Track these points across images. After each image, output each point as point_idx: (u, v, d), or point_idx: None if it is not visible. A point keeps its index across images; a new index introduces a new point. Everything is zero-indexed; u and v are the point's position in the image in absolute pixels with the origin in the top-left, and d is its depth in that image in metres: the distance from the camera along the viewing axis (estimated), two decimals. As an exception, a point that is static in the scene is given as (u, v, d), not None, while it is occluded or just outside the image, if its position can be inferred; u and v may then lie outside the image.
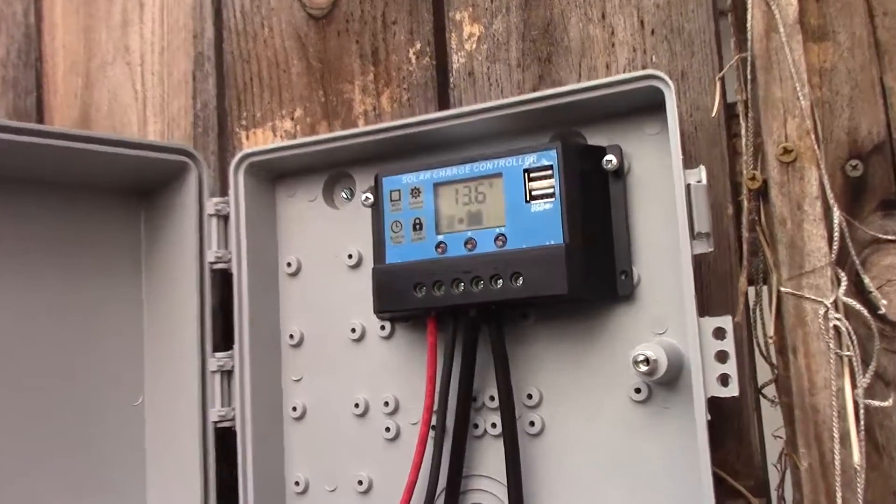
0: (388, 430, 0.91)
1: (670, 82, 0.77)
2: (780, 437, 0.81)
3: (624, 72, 0.88)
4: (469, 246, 0.83)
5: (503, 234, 0.82)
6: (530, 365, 0.86)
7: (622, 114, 0.84)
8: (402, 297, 0.85)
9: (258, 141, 1.04)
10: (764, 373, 0.83)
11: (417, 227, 0.86)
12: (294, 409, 0.96)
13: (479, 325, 0.85)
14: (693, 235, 0.76)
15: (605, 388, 0.83)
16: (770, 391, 0.82)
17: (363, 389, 0.93)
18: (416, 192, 0.87)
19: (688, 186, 0.77)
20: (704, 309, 0.80)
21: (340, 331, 0.95)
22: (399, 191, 0.87)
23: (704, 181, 0.76)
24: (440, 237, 0.85)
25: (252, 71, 1.05)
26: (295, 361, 0.97)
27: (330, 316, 0.96)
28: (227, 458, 0.94)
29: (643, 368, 0.76)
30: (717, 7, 0.86)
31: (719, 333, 0.75)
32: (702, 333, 0.75)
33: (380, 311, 0.86)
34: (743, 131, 0.82)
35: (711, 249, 0.76)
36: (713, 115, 0.81)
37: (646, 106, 0.83)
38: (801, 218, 0.76)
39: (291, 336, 0.97)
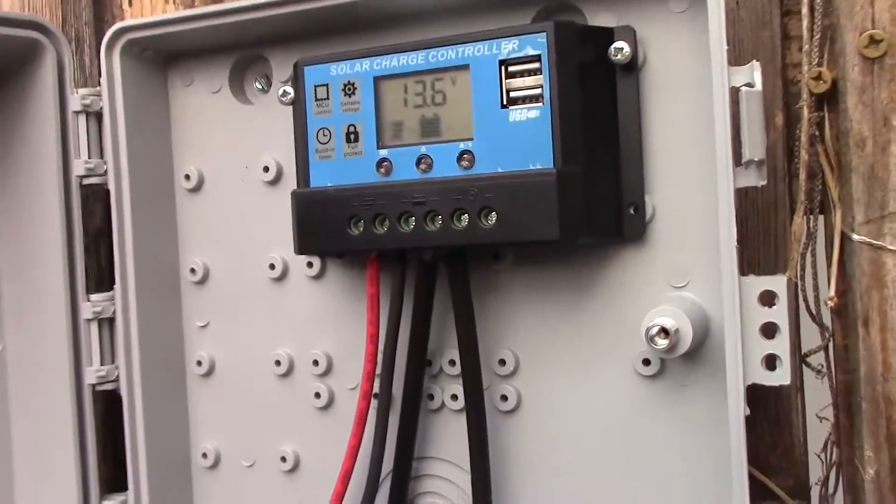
0: (318, 395, 0.71)
1: (710, -64, 0.54)
2: (826, 420, 0.62)
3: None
4: (423, 166, 0.61)
5: (469, 152, 0.59)
6: (503, 321, 0.65)
7: (637, -19, 0.60)
8: (332, 235, 0.62)
9: (143, 9, 0.79)
10: (809, 335, 0.63)
11: (352, 137, 0.63)
12: (199, 363, 0.75)
13: (436, 268, 0.64)
14: (738, 162, 0.54)
15: (604, 356, 0.62)
16: (816, 360, 0.62)
17: (286, 342, 0.72)
18: (350, 87, 0.63)
19: (734, 91, 0.54)
20: (742, 260, 0.59)
21: (256, 266, 0.73)
22: (327, 86, 0.63)
23: (758, 85, 0.53)
24: (383, 152, 0.62)
25: (134, -90, 0.79)
26: (198, 303, 0.75)
27: (242, 246, 0.73)
28: (116, 427, 0.73)
29: (661, 344, 0.55)
30: None
31: (767, 298, 0.54)
32: (743, 298, 0.54)
33: (301, 251, 0.64)
34: (804, 8, 0.59)
35: (764, 182, 0.54)
36: (766, -16, 0.58)
37: (672, -30, 0.59)
38: (887, 138, 0.54)
39: (193, 270, 0.75)
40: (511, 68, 0.58)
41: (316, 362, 0.70)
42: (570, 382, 0.63)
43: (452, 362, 0.66)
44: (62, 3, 0.81)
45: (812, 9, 0.59)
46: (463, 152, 0.59)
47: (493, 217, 0.57)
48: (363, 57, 0.62)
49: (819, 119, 0.58)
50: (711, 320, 0.59)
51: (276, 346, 0.72)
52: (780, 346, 0.54)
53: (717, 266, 0.55)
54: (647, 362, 0.61)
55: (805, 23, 0.59)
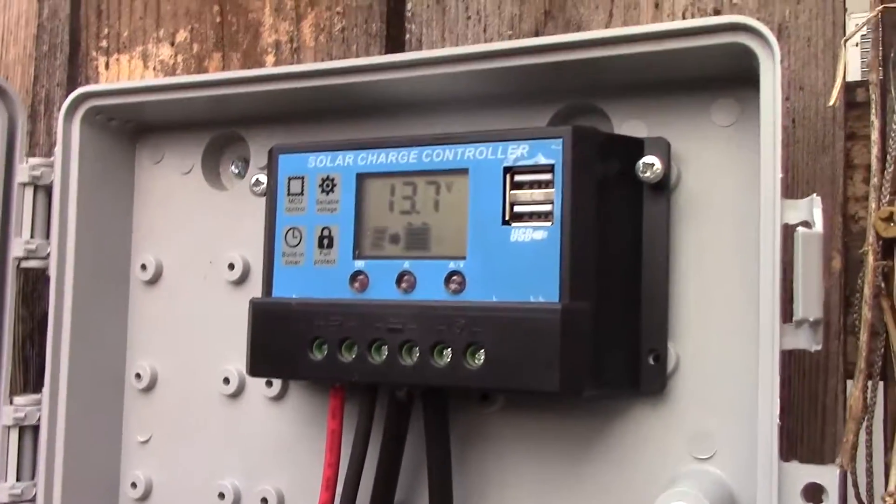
0: (263, 541, 0.60)
1: (771, 38, 0.44)
2: None
3: (684, 15, 0.54)
4: (404, 285, 0.51)
5: (460, 273, 0.49)
6: (488, 478, 0.54)
7: (674, 87, 0.51)
8: (290, 358, 0.52)
9: (121, 73, 0.70)
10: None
11: (325, 242, 0.53)
12: (133, 485, 0.64)
13: (412, 405, 0.53)
14: (787, 318, 0.43)
15: (606, 533, 0.51)
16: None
17: (234, 472, 0.61)
18: (328, 183, 0.53)
19: (786, 230, 0.44)
20: (783, 437, 0.48)
21: (209, 378, 0.62)
22: (302, 179, 0.54)
23: (819, 226, 0.43)
24: (359, 264, 0.52)
25: (121, -33, 0.71)
26: (141, 412, 0.65)
27: (196, 353, 0.63)
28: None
29: (676, 537, 0.44)
30: (847, -78, 0.52)
31: (813, 494, 0.43)
32: (783, 490, 0.43)
33: (252, 372, 0.54)
34: (874, 134, 0.49)
35: (819, 347, 0.43)
36: (830, 103, 0.48)
37: (718, 77, 0.49)
38: (976, 302, 0.43)
39: (138, 376, 0.65)
40: (518, 178, 0.49)
41: (265, 500, 0.59)
42: (564, 560, 0.52)
43: (424, 519, 0.55)
44: (36, 60, 0.74)
45: (884, 135, 0.49)
46: (452, 273, 0.49)
47: (482, 356, 0.47)
48: (347, 149, 0.53)
49: (887, 269, 0.48)
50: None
51: (222, 475, 0.61)
52: (829, 555, 0.42)
53: (750, 437, 0.44)
54: (658, 546, 0.49)
55: (874, 151, 0.49)
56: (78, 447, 0.62)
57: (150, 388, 0.64)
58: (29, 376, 0.70)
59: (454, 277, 0.49)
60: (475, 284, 0.49)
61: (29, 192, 0.62)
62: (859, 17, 0.50)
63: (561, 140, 0.47)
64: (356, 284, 0.52)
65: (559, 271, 0.47)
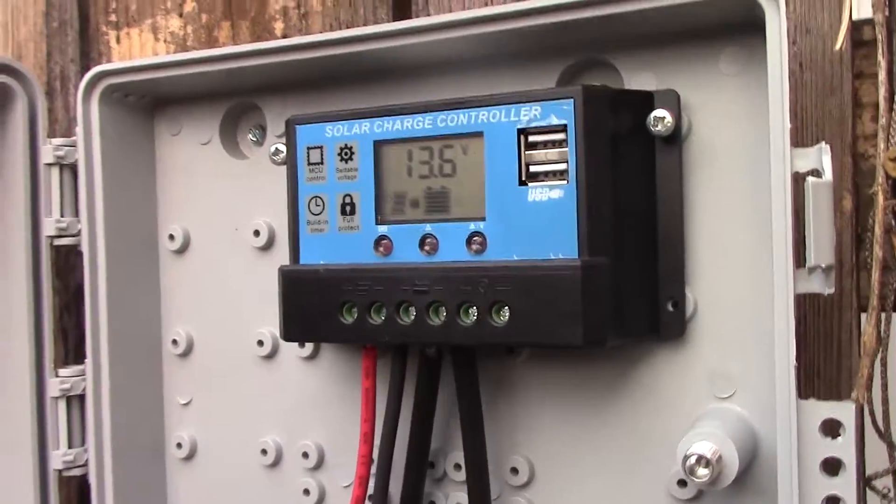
0: (307, 492, 0.63)
1: (775, -11, 0.45)
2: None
3: (688, -35, 0.54)
4: (427, 248, 0.52)
5: (481, 234, 0.51)
6: (517, 424, 0.57)
7: (682, 37, 0.51)
8: (321, 322, 0.54)
9: (132, 47, 0.71)
10: (876, 454, 0.53)
11: (348, 209, 0.54)
12: (179, 445, 0.67)
13: (441, 362, 0.55)
14: (800, 263, 0.45)
15: (632, 473, 0.53)
16: (883, 484, 0.53)
17: (274, 429, 0.64)
18: (346, 152, 0.55)
19: (796, 179, 0.45)
20: (800, 375, 0.50)
21: (244, 341, 0.65)
22: (321, 148, 0.55)
23: (828, 174, 0.44)
24: (382, 229, 0.53)
25: (125, -61, 0.71)
26: (180, 377, 0.68)
27: (229, 317, 0.65)
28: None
29: (701, 475, 0.46)
30: None
31: (831, 428, 0.45)
32: (802, 427, 0.45)
33: (287, 337, 0.56)
34: (881, 74, 0.50)
35: (831, 291, 0.45)
36: (837, 46, 0.48)
37: (725, 27, 0.50)
38: (983, 238, 0.45)
39: (175, 342, 0.67)
40: (532, 138, 0.50)
41: (306, 454, 0.62)
42: (592, 500, 0.54)
43: (458, 466, 0.57)
44: (48, 37, 0.74)
45: (890, 74, 0.50)
46: (473, 234, 0.51)
47: (506, 313, 0.49)
48: (363, 118, 0.54)
49: (896, 207, 0.49)
50: (761, 439, 0.50)
51: (263, 433, 0.64)
52: (846, 486, 0.45)
53: (768, 374, 0.46)
54: (682, 484, 0.52)
55: (882, 90, 0.50)
56: (123, 413, 0.65)
57: (186, 353, 0.67)
58: (69, 345, 0.73)
59: (475, 238, 0.51)
60: (496, 244, 0.50)
61: (55, 171, 0.64)
62: None
63: (572, 100, 0.48)
64: (380, 249, 0.53)
65: (577, 228, 0.48)
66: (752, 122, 0.50)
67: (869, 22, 0.51)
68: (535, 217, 0.49)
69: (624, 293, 0.49)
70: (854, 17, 0.51)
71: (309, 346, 0.62)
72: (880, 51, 0.50)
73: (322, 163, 0.55)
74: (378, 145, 0.54)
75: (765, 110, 0.46)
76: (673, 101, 0.50)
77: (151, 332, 0.67)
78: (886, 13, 0.50)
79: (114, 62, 0.71)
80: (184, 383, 0.67)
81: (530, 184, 0.50)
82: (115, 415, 0.64)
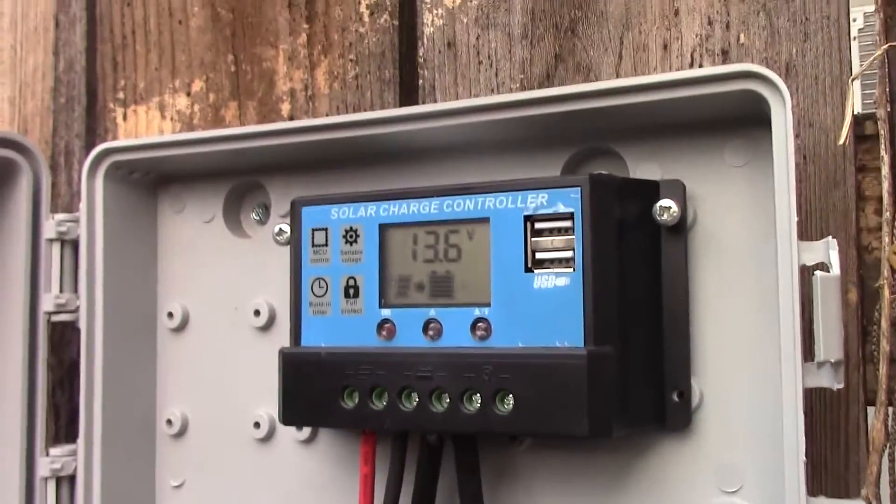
0: (301, 581, 0.61)
1: (782, 85, 0.45)
2: None
3: (693, 57, 0.55)
4: (430, 333, 0.52)
5: (486, 320, 0.50)
6: (519, 514, 0.55)
7: (687, 129, 0.52)
8: (322, 406, 0.53)
9: (139, 124, 0.72)
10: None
11: (351, 291, 0.54)
12: (169, 529, 0.65)
13: (442, 449, 0.54)
14: (808, 357, 0.45)
15: (637, 568, 0.52)
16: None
17: (269, 514, 0.62)
18: (351, 234, 0.55)
19: (803, 273, 0.45)
20: (808, 471, 0.49)
21: (239, 422, 0.64)
22: (326, 230, 0.55)
23: (836, 268, 0.44)
24: (386, 312, 0.53)
25: (136, 19, 0.72)
26: (174, 458, 0.66)
27: (226, 398, 0.64)
28: None
29: (708, 574, 0.45)
30: (849, -40, 0.53)
31: (842, 527, 0.44)
32: (811, 525, 0.44)
33: (286, 421, 0.55)
34: (884, 168, 0.50)
35: (841, 385, 0.44)
36: (841, 141, 0.49)
37: (730, 119, 0.51)
38: None
39: (169, 422, 0.66)
40: (538, 225, 0.50)
41: (300, 542, 0.61)
42: None
43: (458, 557, 0.56)
44: (54, 112, 0.75)
45: (893, 168, 0.50)
46: (478, 320, 0.51)
47: (511, 402, 0.48)
48: (368, 200, 0.54)
49: (903, 302, 0.49)
50: (769, 535, 0.49)
51: (256, 518, 0.63)
52: (857, 588, 0.44)
53: (776, 468, 0.45)
54: (689, 580, 0.51)
55: (885, 185, 0.50)
56: (114, 495, 0.63)
57: (181, 433, 0.66)
58: (60, 422, 0.71)
59: (480, 324, 0.51)
60: (501, 331, 0.50)
61: (56, 247, 0.64)
62: (860, 10, 0.51)
63: (579, 188, 0.49)
64: (384, 333, 0.53)
65: (583, 316, 0.48)
66: (756, 213, 0.50)
67: (871, 117, 0.52)
68: (541, 304, 0.49)
69: (630, 383, 0.49)
70: (857, 112, 0.51)
71: (307, 430, 0.61)
72: (883, 145, 0.50)
73: (326, 244, 0.55)
74: (383, 228, 0.54)
75: (769, 202, 0.46)
76: (678, 192, 0.51)
77: (146, 411, 0.66)
78: (888, 108, 0.51)
79: (120, 139, 0.71)
80: (177, 465, 0.66)
81: (536, 270, 0.49)
82: (105, 497, 0.63)
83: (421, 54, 0.63)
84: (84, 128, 0.74)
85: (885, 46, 0.50)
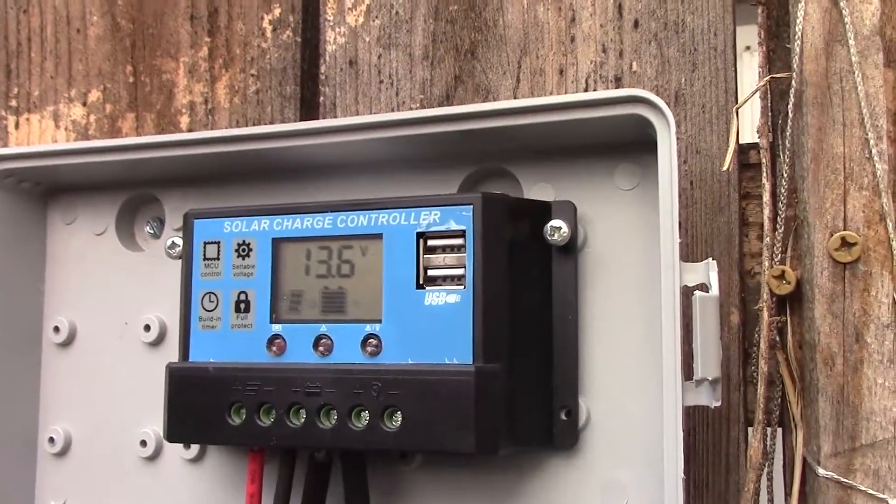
0: None
1: (667, 112, 0.47)
2: None
3: (588, 83, 0.57)
4: (322, 349, 0.51)
5: (377, 336, 0.50)
6: (408, 534, 0.55)
7: (579, 152, 0.53)
8: (208, 423, 0.52)
9: (31, 133, 0.70)
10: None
11: (242, 306, 0.53)
12: (48, 552, 0.63)
13: (330, 466, 0.54)
14: (688, 376, 0.46)
15: (523, 587, 0.52)
16: None
17: (153, 535, 0.61)
18: (244, 248, 0.54)
19: (685, 293, 0.46)
20: (689, 488, 0.50)
21: (125, 440, 0.62)
22: (218, 244, 0.54)
23: (715, 288, 0.45)
24: (276, 328, 0.52)
25: (31, 26, 0.70)
26: (55, 477, 0.64)
27: (112, 415, 0.63)
28: None
29: (589, 590, 0.45)
30: (736, -5, 0.55)
31: (718, 542, 0.45)
32: (690, 540, 0.45)
33: (170, 437, 0.54)
34: (765, 196, 0.52)
35: (718, 403, 0.45)
36: (724, 167, 0.51)
37: (620, 144, 0.52)
38: (860, 356, 0.46)
39: (52, 440, 0.64)
40: (430, 242, 0.50)
41: (185, 564, 0.59)
42: None
43: (345, 578, 0.55)
44: (-57, 119, 0.72)
45: (775, 196, 0.52)
46: (369, 336, 0.50)
47: (399, 418, 0.48)
48: (262, 214, 0.54)
49: (781, 323, 0.50)
50: (651, 552, 0.50)
51: (140, 540, 0.61)
52: None
53: (659, 486, 0.46)
54: None
55: (766, 212, 0.52)
56: (-11, 516, 0.61)
57: (63, 451, 0.63)
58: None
59: (371, 340, 0.50)
60: (391, 347, 0.50)
61: (-63, 256, 0.61)
62: (753, 86, 0.53)
63: (471, 206, 0.49)
64: (273, 348, 0.52)
65: (472, 334, 0.48)
66: (645, 236, 0.51)
67: (755, 146, 0.54)
68: (432, 321, 0.49)
69: (518, 401, 0.49)
70: (741, 141, 0.53)
71: (194, 449, 0.60)
72: (764, 174, 0.52)
73: (218, 258, 0.54)
74: (276, 243, 0.53)
75: (657, 224, 0.47)
76: (570, 212, 0.52)
77: (27, 428, 0.63)
78: (770, 138, 0.53)
79: (10, 147, 0.69)
80: (58, 484, 0.64)
81: (428, 287, 0.50)
82: (-21, 517, 0.60)
83: (323, 71, 0.63)
84: (-26, 135, 0.71)
85: (767, 78, 0.52)
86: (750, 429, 0.52)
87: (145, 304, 0.62)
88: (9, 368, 0.62)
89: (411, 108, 0.60)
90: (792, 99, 0.49)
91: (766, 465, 0.52)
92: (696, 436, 0.53)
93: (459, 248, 0.49)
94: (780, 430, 0.52)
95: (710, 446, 0.53)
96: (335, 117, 0.62)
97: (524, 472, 0.53)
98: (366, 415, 0.49)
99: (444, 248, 0.50)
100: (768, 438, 0.51)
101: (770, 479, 0.52)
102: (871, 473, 0.46)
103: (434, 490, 0.55)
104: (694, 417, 0.53)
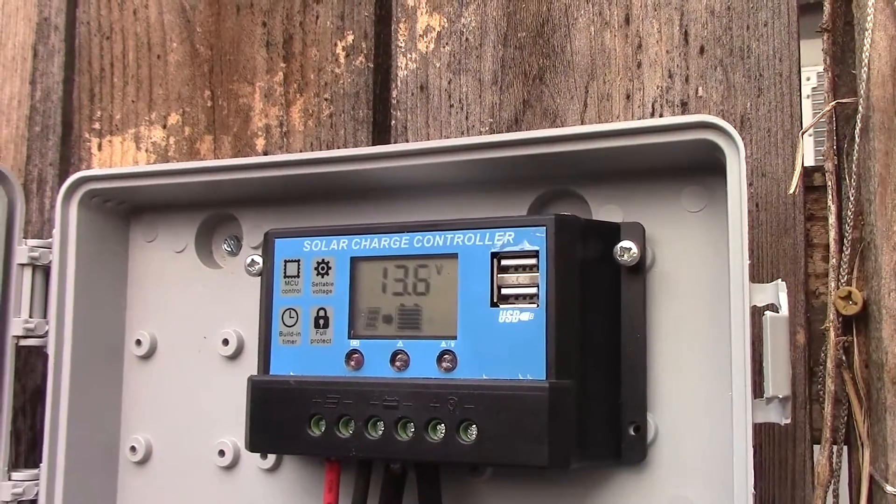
0: None
1: (736, 136, 0.48)
2: None
3: (654, 107, 0.58)
4: (398, 364, 0.53)
5: (452, 352, 0.52)
6: (478, 544, 0.57)
7: (647, 175, 0.55)
8: (288, 434, 0.54)
9: (113, 154, 0.73)
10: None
11: (321, 322, 0.56)
12: (129, 557, 0.66)
13: (405, 478, 0.56)
14: (758, 394, 0.47)
15: None
16: None
17: (230, 542, 0.63)
18: (323, 266, 0.56)
19: (754, 313, 0.47)
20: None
21: (204, 450, 0.64)
22: (298, 262, 0.57)
23: (784, 309, 0.47)
24: (354, 343, 0.55)
25: (114, 52, 0.74)
26: (135, 485, 0.67)
27: (191, 425, 0.65)
28: None
29: None
30: (801, 21, 0.56)
31: (788, 557, 0.46)
32: (760, 554, 0.46)
33: (252, 447, 0.56)
34: (831, 218, 0.53)
35: (788, 421, 0.47)
36: (791, 190, 0.52)
37: (687, 167, 0.53)
38: (928, 376, 0.47)
39: (133, 449, 0.66)
40: (504, 262, 0.52)
41: (261, 570, 0.61)
42: None
43: (417, 587, 0.57)
44: (29, 140, 0.76)
45: (840, 218, 0.53)
46: (444, 352, 0.52)
47: (474, 432, 0.50)
48: (340, 234, 0.56)
49: (847, 343, 0.52)
50: (719, 566, 0.51)
51: (217, 546, 0.63)
52: None
53: (727, 501, 0.47)
54: None
55: (832, 233, 0.53)
56: (74, 521, 0.63)
57: (144, 460, 0.66)
58: (20, 448, 0.71)
59: (446, 356, 0.52)
60: (466, 363, 0.52)
61: (27, 272, 0.65)
62: (814, 70, 0.54)
63: (544, 228, 0.51)
64: (352, 363, 0.54)
65: (545, 351, 0.50)
66: (711, 256, 0.53)
67: (820, 169, 0.55)
68: (505, 338, 0.51)
69: (588, 416, 0.51)
70: (806, 164, 0.55)
71: (271, 458, 0.62)
72: (830, 196, 0.53)
73: (298, 276, 0.57)
74: (354, 261, 0.55)
75: (723, 246, 0.49)
76: (638, 234, 0.53)
77: (110, 437, 0.66)
78: (835, 161, 0.54)
79: (94, 168, 0.72)
80: (139, 492, 0.66)
81: (501, 305, 0.51)
82: (66, 522, 0.63)
83: (394, 96, 0.65)
84: (58, 156, 0.75)
85: (833, 103, 0.53)
86: (816, 447, 0.53)
87: (223, 318, 0.65)
88: (93, 379, 0.65)
89: (481, 132, 0.62)
90: (859, 124, 0.50)
91: (833, 482, 0.53)
92: (762, 453, 0.54)
93: (532, 268, 0.51)
94: (845, 448, 0.53)
95: (776, 463, 0.54)
96: (406, 140, 0.64)
97: (592, 486, 0.54)
98: (441, 428, 0.51)
99: (517, 268, 0.52)
100: (835, 456, 0.52)
101: (836, 497, 0.53)
102: (940, 492, 0.47)
103: (504, 502, 0.56)
104: (760, 435, 0.54)
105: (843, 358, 0.52)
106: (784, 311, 0.46)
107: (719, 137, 0.49)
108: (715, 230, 0.53)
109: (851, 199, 0.51)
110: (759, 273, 0.55)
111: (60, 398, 0.63)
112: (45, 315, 0.65)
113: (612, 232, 0.53)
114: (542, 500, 0.55)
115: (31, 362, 0.71)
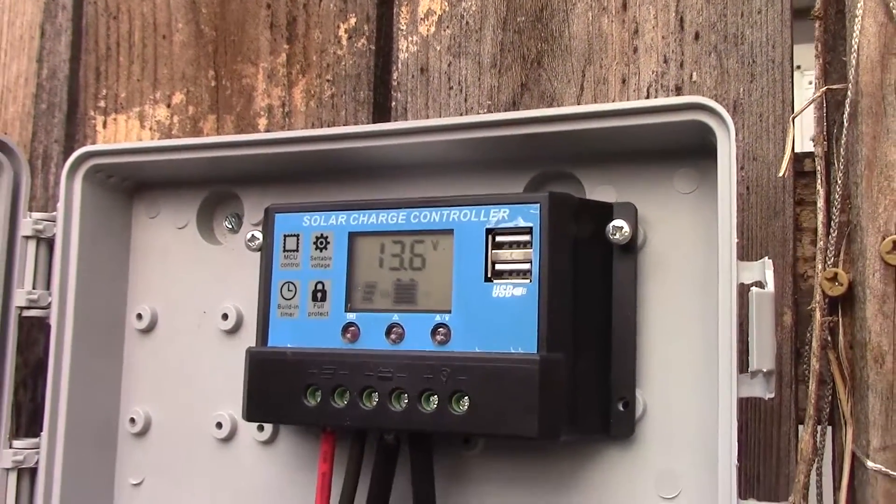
0: (254, 578, 0.63)
1: (728, 118, 0.49)
2: None
3: (649, 91, 0.59)
4: (393, 337, 0.55)
5: (446, 326, 0.53)
6: (469, 516, 0.58)
7: (640, 156, 0.56)
8: (285, 404, 0.56)
9: (118, 132, 0.74)
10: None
11: (319, 295, 0.57)
12: (126, 526, 0.67)
13: (398, 450, 0.57)
14: (743, 369, 0.48)
15: (579, 569, 0.55)
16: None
17: (226, 513, 0.64)
18: (322, 241, 0.57)
19: (741, 290, 0.49)
20: (741, 477, 0.52)
21: (202, 422, 0.65)
22: (297, 236, 0.58)
23: (770, 286, 0.48)
24: (351, 316, 0.56)
25: (120, 32, 0.75)
26: (134, 457, 0.68)
27: (190, 398, 0.66)
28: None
29: (645, 570, 0.48)
30: (794, 8, 0.57)
31: (769, 529, 0.47)
32: (742, 525, 0.47)
33: (249, 417, 0.57)
34: (819, 202, 0.54)
35: (772, 395, 0.48)
36: (780, 174, 0.53)
37: (680, 149, 0.54)
38: (911, 355, 0.48)
39: (133, 420, 0.68)
40: (499, 238, 0.53)
41: (256, 540, 0.63)
42: None
43: (408, 556, 0.58)
44: (35, 118, 0.77)
45: (828, 202, 0.54)
46: (438, 325, 0.53)
47: (466, 403, 0.51)
48: (339, 210, 0.57)
49: (832, 324, 0.53)
50: (704, 539, 0.52)
51: (214, 516, 0.64)
52: (782, 585, 0.47)
53: (712, 477, 0.48)
54: (627, 581, 0.53)
55: (820, 217, 0.54)
56: (73, 489, 0.64)
57: (143, 432, 0.67)
58: (21, 420, 0.72)
59: (440, 329, 0.53)
60: (460, 336, 0.53)
61: (32, 244, 0.66)
62: (809, 96, 0.55)
63: (539, 205, 0.52)
64: (348, 335, 0.56)
65: (537, 325, 0.51)
66: (702, 236, 0.54)
67: (810, 155, 0.56)
68: (498, 312, 0.52)
69: (578, 390, 0.52)
70: (796, 150, 0.56)
71: (267, 430, 0.63)
72: (819, 181, 0.55)
73: (297, 250, 0.58)
74: (352, 236, 0.57)
75: (713, 226, 0.50)
76: (631, 214, 0.54)
77: (110, 408, 0.67)
78: (825, 147, 0.55)
79: (99, 144, 0.73)
80: (137, 463, 0.67)
81: (495, 280, 0.53)
82: (64, 490, 0.64)
83: (395, 78, 0.66)
84: (63, 133, 0.76)
85: (823, 89, 0.54)
86: (801, 426, 0.54)
87: (222, 294, 0.66)
88: (94, 351, 0.66)
89: (479, 114, 0.63)
90: (847, 109, 0.51)
91: (817, 460, 0.54)
92: (748, 431, 0.55)
93: (526, 244, 0.52)
94: (829, 427, 0.54)
95: (761, 441, 0.55)
96: (406, 120, 0.65)
97: (581, 461, 0.55)
98: (434, 399, 0.52)
99: (511, 244, 0.53)
100: (819, 434, 0.53)
101: (819, 475, 0.54)
102: (919, 467, 0.48)
103: (494, 475, 0.57)
104: (746, 413, 0.55)
105: (829, 338, 0.53)
106: (770, 287, 0.47)
107: (711, 119, 0.50)
108: (706, 212, 0.54)
109: (839, 182, 0.52)
110: (749, 255, 0.56)
111: (62, 368, 0.64)
112: (48, 287, 0.66)
113: (606, 211, 0.54)
114: (532, 475, 0.56)
115: (34, 336, 0.73)
